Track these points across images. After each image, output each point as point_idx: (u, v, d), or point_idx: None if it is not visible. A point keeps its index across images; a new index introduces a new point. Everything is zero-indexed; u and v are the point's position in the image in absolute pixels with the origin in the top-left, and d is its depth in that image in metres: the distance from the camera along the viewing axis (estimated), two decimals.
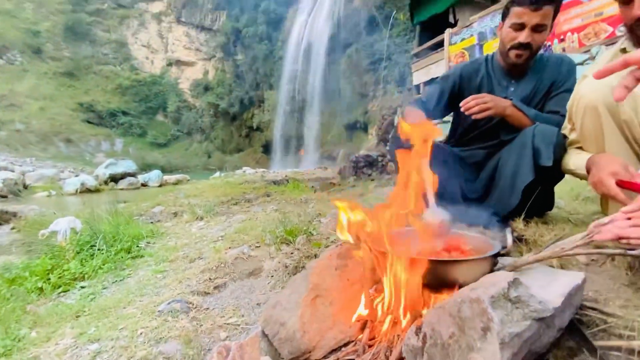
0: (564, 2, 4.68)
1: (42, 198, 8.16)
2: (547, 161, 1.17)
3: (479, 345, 0.56)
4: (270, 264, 1.52)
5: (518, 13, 1.27)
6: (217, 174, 11.01)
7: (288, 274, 1.38)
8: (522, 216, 1.28)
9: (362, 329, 0.91)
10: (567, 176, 1.42)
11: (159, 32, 31.64)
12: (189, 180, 11.29)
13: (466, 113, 1.30)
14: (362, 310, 0.92)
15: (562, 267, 0.98)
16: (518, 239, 1.27)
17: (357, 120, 16.27)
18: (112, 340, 0.96)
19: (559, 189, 1.92)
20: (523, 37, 1.28)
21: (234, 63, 26.89)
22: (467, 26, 6.39)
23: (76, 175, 11.36)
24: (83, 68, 28.69)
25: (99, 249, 1.81)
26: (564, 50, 4.83)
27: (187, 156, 28.42)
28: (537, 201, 1.28)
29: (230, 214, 3.18)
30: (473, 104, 1.28)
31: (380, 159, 6.32)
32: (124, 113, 28.53)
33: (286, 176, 8.17)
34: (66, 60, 28.12)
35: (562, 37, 4.85)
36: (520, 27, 1.28)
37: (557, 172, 1.28)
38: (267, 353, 0.90)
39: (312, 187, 5.59)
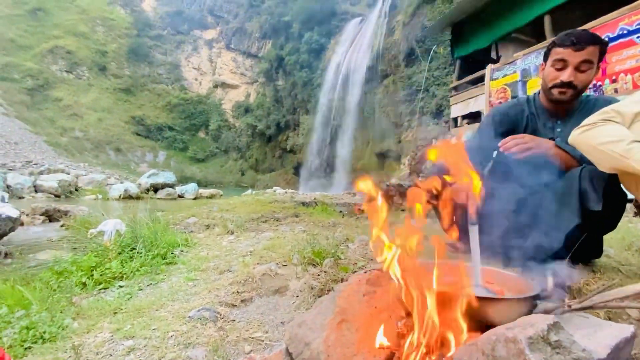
0: (615, 43, 4.53)
1: (89, 200, 8.81)
2: (595, 205, 1.10)
3: None
4: (296, 284, 1.53)
5: (560, 52, 1.26)
6: (249, 191, 11.34)
7: (313, 295, 1.38)
8: (566, 261, 1.21)
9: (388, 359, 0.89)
10: (619, 224, 1.32)
11: (209, 56, 34.31)
12: (221, 195, 11.70)
13: (505, 153, 1.27)
14: (387, 341, 0.90)
15: (609, 319, 0.91)
16: (560, 286, 1.20)
17: (390, 149, 16.22)
18: (145, 339, 1.00)
19: (609, 236, 1.79)
20: (566, 75, 1.26)
21: (275, 88, 28.25)
22: (510, 62, 6.32)
23: (121, 182, 12.21)
24: (139, 85, 31.56)
25: (138, 252, 1.92)
26: (616, 91, 4.61)
27: (222, 172, 29.68)
28: (583, 247, 1.21)
29: (259, 230, 3.25)
30: (512, 145, 1.25)
31: None
32: (170, 128, 30.70)
33: (315, 199, 8.22)
34: (126, 77, 31.14)
35: (614, 77, 4.65)
36: (562, 66, 1.27)
37: (608, 218, 1.20)
38: None
39: (341, 211, 5.58)
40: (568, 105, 1.36)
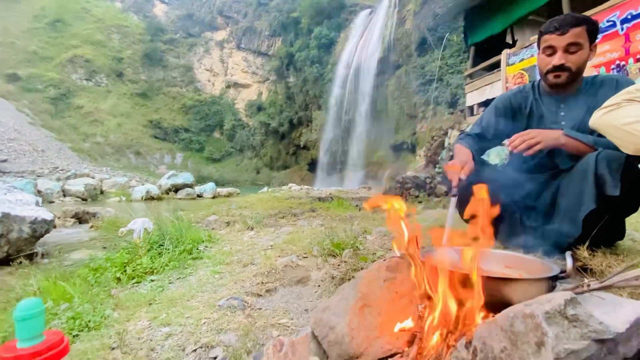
0: (639, 21, 4.32)
1: (114, 202, 9.17)
2: (613, 190, 1.09)
3: None
4: (317, 274, 1.58)
5: (547, 39, 1.31)
6: (265, 189, 11.50)
7: (334, 284, 1.42)
8: (587, 244, 1.20)
9: (410, 342, 0.92)
10: None
11: (220, 57, 34.73)
12: (239, 193, 11.92)
13: (514, 152, 1.27)
14: (409, 323, 0.93)
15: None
16: (582, 269, 1.19)
17: (405, 141, 16.04)
18: (181, 326, 1.08)
19: (634, 219, 1.75)
20: (556, 59, 1.29)
21: (286, 85, 28.34)
22: (527, 46, 6.12)
23: (142, 184, 12.62)
24: (155, 89, 32.37)
25: (166, 249, 2.02)
26: None
27: (238, 171, 30.15)
28: (605, 230, 1.20)
29: (278, 226, 3.32)
30: (519, 142, 1.25)
31: (428, 180, 6.16)
32: (186, 130, 31.39)
33: (330, 194, 8.27)
34: (142, 82, 31.99)
35: (638, 56, 4.44)
36: (551, 52, 1.31)
37: (627, 201, 1.19)
38: (315, 354, 0.95)
39: (357, 205, 5.60)
40: (569, 88, 1.36)
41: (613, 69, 4.67)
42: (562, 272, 0.83)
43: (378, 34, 19.26)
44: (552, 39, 1.29)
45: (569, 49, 1.27)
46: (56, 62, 28.53)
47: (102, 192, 10.84)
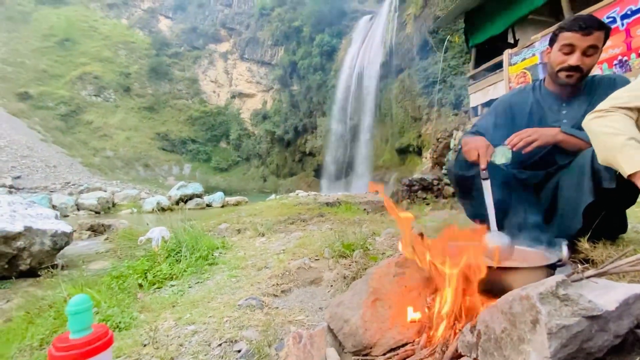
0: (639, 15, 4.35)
1: (126, 214, 9.36)
2: (609, 183, 1.15)
3: (528, 337, 0.62)
4: (329, 275, 1.65)
5: (568, 37, 1.30)
6: (272, 196, 11.60)
7: (346, 284, 1.49)
8: (587, 237, 1.25)
9: (419, 332, 0.98)
10: None
11: (225, 68, 35.31)
12: (247, 201, 12.04)
13: (514, 149, 1.32)
14: (418, 314, 1.00)
15: None
16: (584, 260, 1.24)
17: (410, 144, 16.05)
18: (205, 324, 1.15)
19: (636, 212, 1.78)
20: (574, 60, 1.29)
21: (290, 93, 28.66)
22: (528, 45, 6.17)
23: (152, 196, 12.84)
24: (161, 102, 33.00)
25: (183, 256, 2.11)
26: None
27: (245, 180, 30.42)
28: (605, 223, 1.25)
29: (288, 231, 3.40)
30: (517, 140, 1.30)
31: (435, 182, 6.19)
32: (193, 141, 31.87)
33: (338, 199, 8.31)
34: (148, 96, 32.66)
35: None
36: (570, 50, 1.30)
37: (624, 194, 1.23)
38: (331, 345, 1.02)
39: (365, 209, 5.65)
40: (573, 88, 1.40)
41: (615, 64, 4.69)
42: (558, 260, 0.89)
43: (379, 39, 19.44)
44: (574, 37, 1.28)
45: (587, 51, 1.29)
46: (66, 79, 29.33)
47: (114, 205, 11.07)
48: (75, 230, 5.13)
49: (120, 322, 1.25)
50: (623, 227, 1.38)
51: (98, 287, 1.81)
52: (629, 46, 4.55)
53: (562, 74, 1.35)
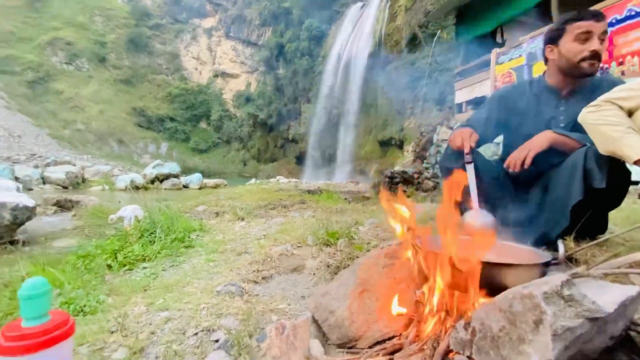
0: (623, 25, 4.48)
1: (97, 191, 8.92)
2: (599, 183, 1.15)
3: (530, 337, 0.59)
4: (312, 263, 1.60)
5: (583, 25, 1.29)
6: (253, 180, 11.41)
7: (330, 272, 1.45)
8: (573, 235, 1.26)
9: (407, 325, 0.96)
10: (622, 203, 1.37)
11: (208, 45, 33.93)
12: (226, 185, 11.78)
13: (514, 171, 1.32)
14: (407, 308, 0.96)
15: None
16: (568, 258, 1.25)
17: (393, 137, 16.17)
18: (180, 310, 1.08)
19: (614, 215, 1.84)
20: (594, 45, 1.28)
21: (275, 76, 28.01)
22: (515, 46, 6.25)
23: (126, 173, 12.31)
24: (139, 76, 31.37)
25: (157, 237, 2.00)
26: (623, 73, 4.58)
27: (225, 163, 29.75)
28: (589, 223, 1.26)
29: (269, 217, 3.32)
30: (512, 163, 1.32)
31: (416, 175, 6.26)
32: (171, 119, 30.65)
33: (319, 187, 8.29)
34: (125, 68, 30.92)
35: (621, 60, 4.61)
36: (588, 37, 1.29)
37: (612, 196, 1.25)
38: (315, 336, 0.97)
39: (346, 198, 5.64)
40: (572, 85, 1.40)
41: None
42: (554, 259, 0.87)
43: (369, 28, 19.22)
44: (589, 25, 1.28)
45: (602, 36, 1.29)
46: (35, 43, 27.22)
47: (83, 181, 10.51)
48: (39, 205, 4.82)
49: (85, 306, 1.15)
50: (604, 227, 1.41)
51: (62, 267, 1.68)
52: (610, 54, 4.69)
53: (585, 64, 1.31)
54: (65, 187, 9.56)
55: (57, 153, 18.02)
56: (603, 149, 1.09)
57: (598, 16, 1.28)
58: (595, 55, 1.30)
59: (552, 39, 1.40)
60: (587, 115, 1.15)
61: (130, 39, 31.28)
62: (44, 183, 9.48)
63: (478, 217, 1.11)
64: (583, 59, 1.31)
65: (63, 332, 0.63)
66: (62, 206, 5.01)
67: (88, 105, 27.37)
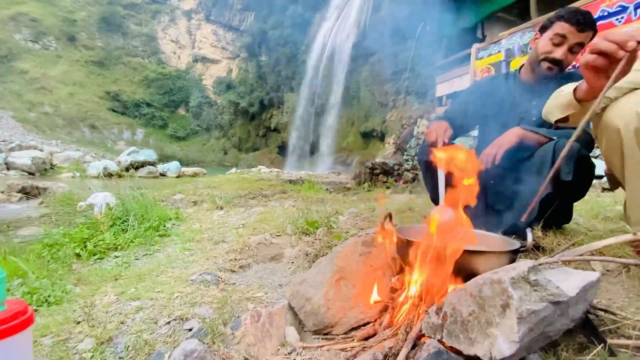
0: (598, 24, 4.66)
1: (67, 178, 8.50)
2: (567, 176, 1.21)
3: (497, 321, 0.62)
4: (291, 252, 1.59)
5: (564, 28, 1.28)
6: (233, 170, 11.22)
7: (308, 261, 1.45)
8: (540, 225, 1.32)
9: (382, 311, 0.97)
10: (587, 196, 1.44)
11: (187, 28, 32.58)
12: (205, 174, 11.54)
13: (488, 167, 1.34)
14: (382, 295, 0.98)
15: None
16: (535, 247, 1.31)
17: (374, 129, 16.29)
18: (152, 300, 1.05)
19: (579, 207, 1.93)
20: (559, 53, 1.30)
21: (258, 63, 27.37)
22: (495, 42, 6.38)
23: (99, 160, 11.79)
24: (113, 58, 29.79)
25: (130, 225, 1.93)
26: None
27: (204, 151, 29.01)
28: (555, 213, 1.32)
29: (248, 206, 3.28)
30: (485, 158, 1.32)
31: (396, 167, 6.35)
32: (148, 104, 29.43)
33: (301, 177, 8.28)
34: (98, 49, 29.25)
35: None
36: (560, 42, 1.30)
37: (577, 187, 1.31)
38: (291, 324, 0.97)
39: (327, 189, 5.66)
40: (548, 80, 1.44)
41: (569, 69, 5.02)
42: (522, 246, 0.91)
43: (354, 18, 19.03)
44: (569, 30, 1.27)
45: (574, 47, 1.29)
46: None
47: (52, 167, 9.98)
48: (2, 192, 4.55)
49: (49, 296, 1.09)
50: (569, 217, 1.48)
51: (26, 256, 1.60)
52: (582, 54, 4.88)
53: (544, 64, 1.36)
54: (31, 174, 9.05)
55: (22, 137, 16.99)
56: (557, 113, 1.07)
57: (583, 26, 1.26)
58: (556, 62, 1.32)
59: (542, 28, 1.42)
60: (548, 101, 1.15)
61: (103, 18, 29.53)
62: (7, 169, 8.94)
63: (444, 213, 1.12)
64: (545, 59, 1.35)
65: (20, 322, 0.59)
66: (27, 193, 4.74)
67: (57, 87, 25.82)
